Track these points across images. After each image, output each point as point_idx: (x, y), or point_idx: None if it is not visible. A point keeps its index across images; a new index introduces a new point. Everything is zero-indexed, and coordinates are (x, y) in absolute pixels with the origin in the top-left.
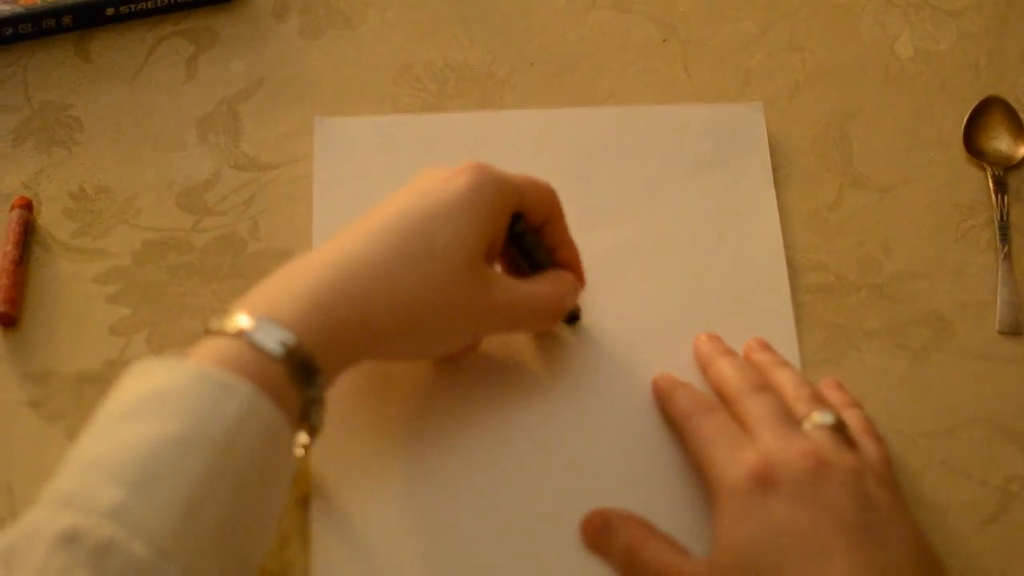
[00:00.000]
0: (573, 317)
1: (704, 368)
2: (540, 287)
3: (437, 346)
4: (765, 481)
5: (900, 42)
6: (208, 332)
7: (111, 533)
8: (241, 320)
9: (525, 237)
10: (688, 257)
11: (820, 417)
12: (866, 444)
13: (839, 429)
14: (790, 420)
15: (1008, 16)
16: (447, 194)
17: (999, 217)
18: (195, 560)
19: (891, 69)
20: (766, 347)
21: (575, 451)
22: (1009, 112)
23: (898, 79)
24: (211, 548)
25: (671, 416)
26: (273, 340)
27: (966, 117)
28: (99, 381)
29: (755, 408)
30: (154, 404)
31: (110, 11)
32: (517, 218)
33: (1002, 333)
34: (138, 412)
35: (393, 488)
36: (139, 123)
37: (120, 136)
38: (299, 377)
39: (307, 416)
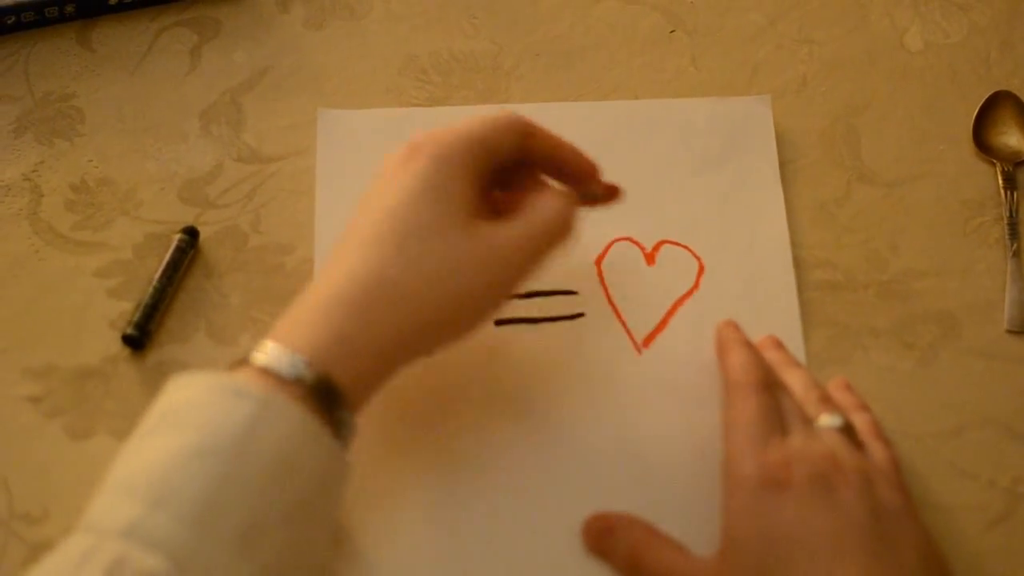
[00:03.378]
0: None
1: (721, 355)
2: (540, 214)
3: (466, 328)
4: (779, 479)
5: (909, 35)
6: (238, 363)
7: (122, 552)
8: (264, 350)
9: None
10: (694, 253)
11: (828, 419)
12: (874, 447)
13: (847, 432)
14: (806, 420)
15: (1019, 9)
16: (413, 178)
17: (1008, 214)
18: (215, 568)
19: (900, 62)
20: (778, 346)
21: (577, 451)
22: (1019, 107)
23: (907, 72)
24: (233, 554)
25: (722, 374)
26: (287, 366)
27: (975, 112)
28: (99, 376)
29: (787, 403)
30: (171, 418)
31: (113, 0)
32: None
33: (1010, 332)
34: (157, 428)
35: (394, 489)
36: (141, 114)
37: (122, 127)
38: (322, 400)
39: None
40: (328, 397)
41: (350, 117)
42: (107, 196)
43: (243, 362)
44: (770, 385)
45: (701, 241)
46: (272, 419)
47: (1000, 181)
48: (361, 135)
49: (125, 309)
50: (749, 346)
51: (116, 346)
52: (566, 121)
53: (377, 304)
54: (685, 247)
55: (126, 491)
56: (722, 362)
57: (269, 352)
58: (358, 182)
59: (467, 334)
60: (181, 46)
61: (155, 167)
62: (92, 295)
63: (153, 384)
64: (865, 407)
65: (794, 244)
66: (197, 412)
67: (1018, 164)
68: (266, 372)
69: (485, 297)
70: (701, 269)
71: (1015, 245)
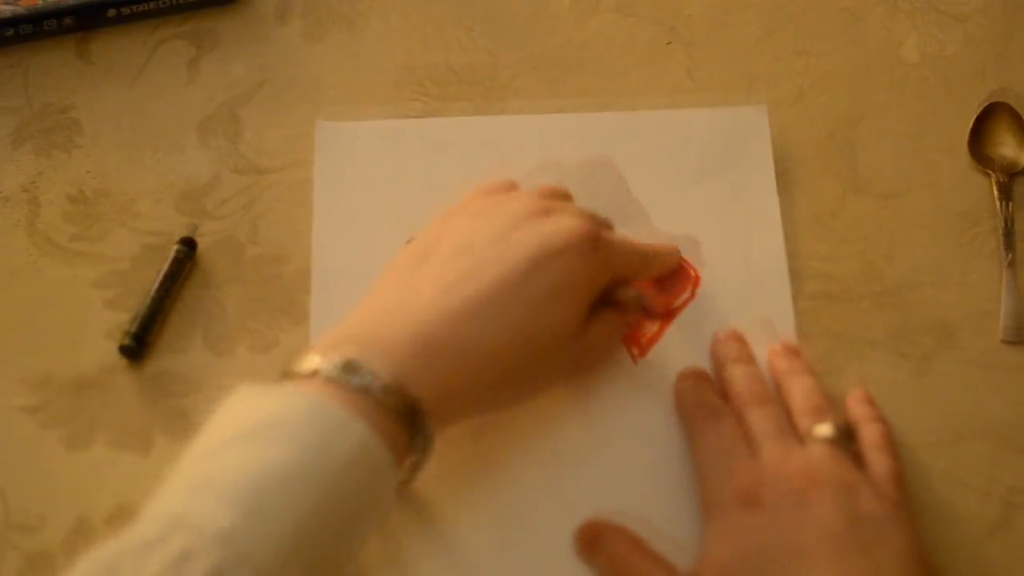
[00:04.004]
0: None
1: (717, 372)
2: (611, 324)
3: (534, 393)
4: (750, 500)
5: (906, 46)
6: (309, 367)
7: (222, 558)
8: (335, 363)
9: None
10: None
11: (821, 431)
12: (874, 458)
13: (841, 443)
14: (788, 436)
15: (1015, 20)
16: (562, 284)
17: (1003, 224)
18: None
19: (896, 73)
20: (790, 353)
21: (574, 457)
22: (1015, 118)
23: (903, 84)
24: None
25: (682, 413)
26: (377, 383)
27: (971, 123)
28: (96, 387)
29: (756, 423)
30: (269, 430)
31: (111, 12)
32: None
33: (1006, 342)
34: (252, 436)
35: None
36: (139, 126)
37: (120, 139)
38: (405, 421)
39: (409, 459)
40: (414, 422)
41: (348, 128)
42: (105, 207)
43: (321, 369)
44: (763, 401)
45: (698, 250)
46: (370, 458)
47: (996, 192)
48: (359, 146)
49: (123, 319)
50: (744, 361)
51: (113, 356)
52: (564, 133)
53: (481, 366)
54: (682, 257)
55: (220, 495)
56: (717, 380)
57: (368, 373)
58: (355, 193)
59: (519, 403)
60: (179, 58)
61: (153, 178)
62: (90, 305)
63: (150, 394)
64: (877, 419)
65: (790, 254)
66: (302, 432)
67: (1014, 175)
68: (358, 387)
69: (559, 379)
70: (698, 279)
71: (1010, 256)
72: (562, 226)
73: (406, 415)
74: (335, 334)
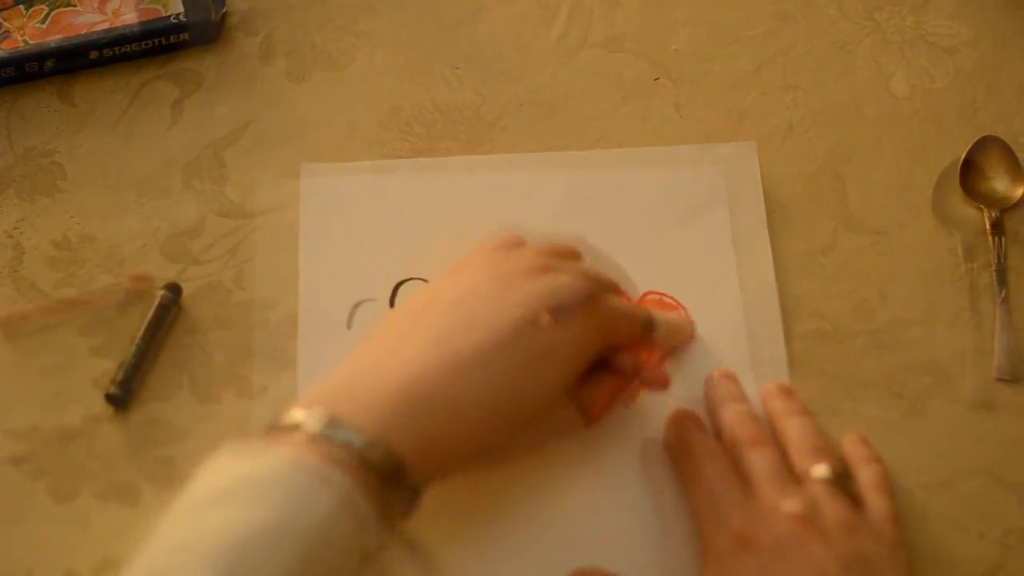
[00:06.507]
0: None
1: (711, 412)
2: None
3: (524, 452)
4: (747, 543)
5: (895, 80)
6: (292, 421)
7: None
8: (318, 418)
9: None
10: (681, 303)
11: (818, 471)
12: (872, 499)
13: (838, 483)
14: (785, 477)
15: (1005, 52)
16: (555, 343)
17: (996, 260)
18: None
19: (886, 107)
20: (784, 394)
21: (565, 503)
22: (1006, 151)
23: (893, 118)
24: None
25: (674, 456)
26: (360, 438)
27: (962, 157)
28: (82, 436)
29: (752, 464)
30: (247, 489)
31: (94, 54)
32: None
33: (1000, 380)
34: (230, 496)
35: None
36: (123, 169)
37: (104, 183)
38: (388, 476)
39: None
40: (396, 479)
41: (333, 170)
42: (89, 253)
43: (302, 426)
44: (758, 442)
45: (688, 290)
46: (352, 512)
47: (988, 227)
48: (345, 188)
49: (108, 367)
50: (739, 401)
51: (99, 405)
52: (552, 170)
53: (467, 421)
54: (672, 298)
55: (199, 555)
56: (712, 421)
57: (351, 428)
58: (342, 236)
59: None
60: (163, 100)
61: (137, 223)
62: (75, 354)
63: (137, 443)
64: (874, 459)
65: (782, 294)
66: (282, 489)
67: (1005, 209)
68: (339, 445)
69: (550, 441)
70: (693, 323)
71: (1003, 292)
72: (559, 284)
73: (389, 470)
74: (322, 387)
